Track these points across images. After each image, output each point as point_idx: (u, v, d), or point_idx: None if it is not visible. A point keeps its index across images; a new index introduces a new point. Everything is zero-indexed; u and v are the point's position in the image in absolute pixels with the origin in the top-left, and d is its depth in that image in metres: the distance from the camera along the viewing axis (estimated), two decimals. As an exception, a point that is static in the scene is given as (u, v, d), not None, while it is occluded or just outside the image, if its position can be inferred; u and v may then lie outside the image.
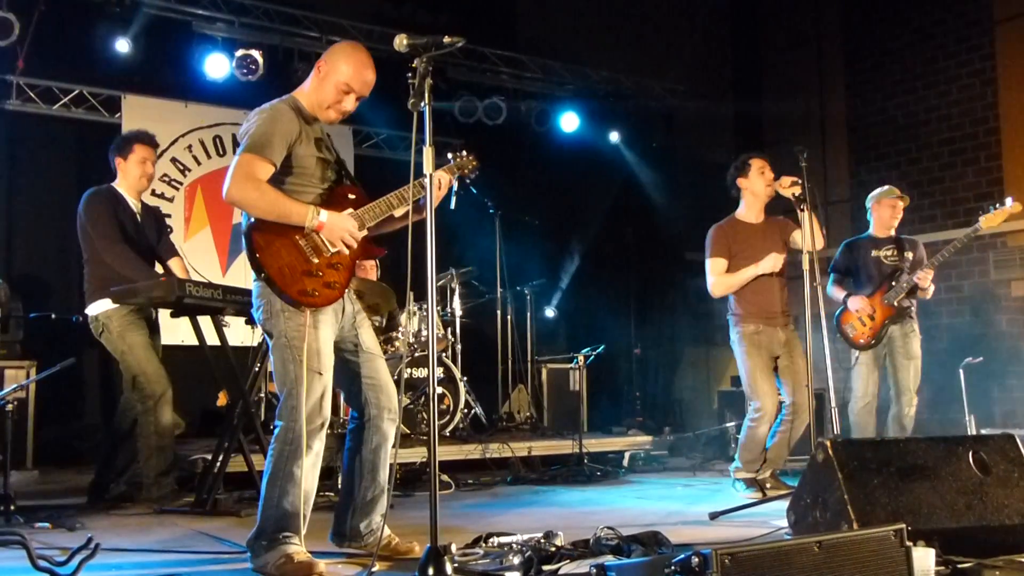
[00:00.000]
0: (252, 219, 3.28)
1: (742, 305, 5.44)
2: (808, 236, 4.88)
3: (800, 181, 5.01)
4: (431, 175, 3.15)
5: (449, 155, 3.73)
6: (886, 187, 6.24)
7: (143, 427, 4.93)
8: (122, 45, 7.53)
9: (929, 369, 6.17)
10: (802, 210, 4.94)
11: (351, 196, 3.50)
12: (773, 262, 5.32)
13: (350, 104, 3.48)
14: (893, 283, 5.92)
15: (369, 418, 3.52)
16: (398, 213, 3.59)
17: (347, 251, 3.39)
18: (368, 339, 3.56)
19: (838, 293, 6.09)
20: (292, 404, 3.25)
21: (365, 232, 3.46)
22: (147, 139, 5.25)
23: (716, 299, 5.67)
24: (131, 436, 5.03)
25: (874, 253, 6.06)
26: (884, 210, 6.09)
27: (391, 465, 3.40)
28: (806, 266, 4.74)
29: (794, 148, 4.95)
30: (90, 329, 5.07)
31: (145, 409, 4.92)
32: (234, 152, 3.42)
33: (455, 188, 7.42)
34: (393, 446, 3.57)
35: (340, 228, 3.33)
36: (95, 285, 4.99)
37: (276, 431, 3.29)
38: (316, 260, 3.31)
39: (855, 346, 5.99)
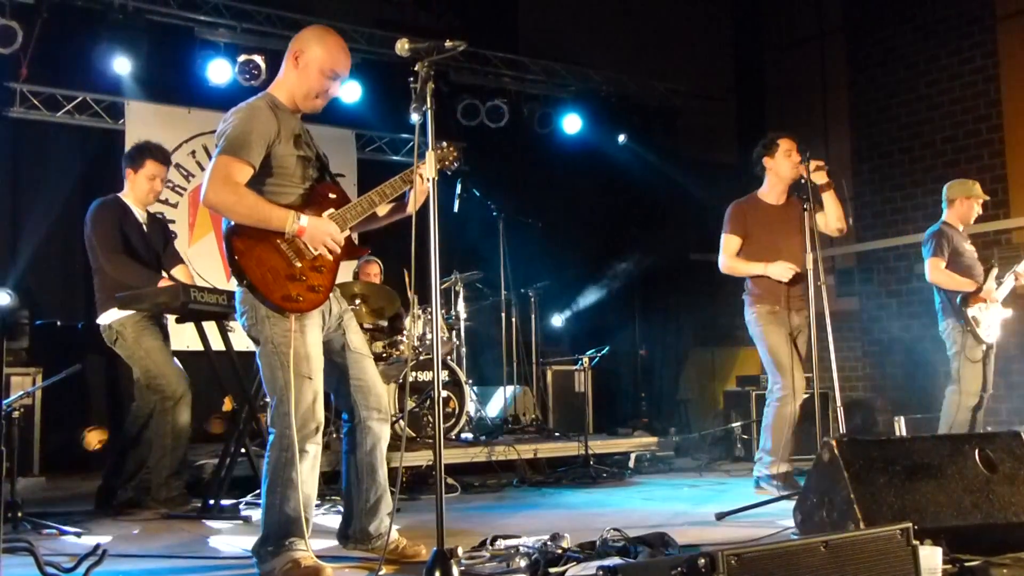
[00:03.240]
0: (232, 223, 3.22)
1: (759, 285, 5.38)
2: (832, 216, 4.90)
3: (825, 166, 4.98)
4: (433, 178, 3.15)
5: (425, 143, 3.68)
6: (972, 182, 6.21)
7: (159, 427, 4.94)
8: (122, 65, 7.54)
9: (935, 367, 6.16)
10: (809, 207, 4.86)
11: (332, 195, 3.44)
12: (782, 271, 5.22)
13: (336, 88, 3.44)
14: (1002, 279, 5.92)
15: (359, 420, 3.50)
16: (381, 212, 3.57)
17: (329, 255, 3.34)
18: (355, 339, 3.53)
19: (956, 277, 5.92)
20: (284, 411, 3.22)
21: (348, 233, 3.40)
22: (160, 156, 5.24)
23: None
24: (141, 442, 5.04)
25: (967, 245, 6.03)
26: (971, 206, 6.09)
27: (397, 468, 3.40)
28: (809, 265, 4.72)
29: (797, 148, 4.94)
30: (103, 337, 5.07)
31: (163, 409, 4.94)
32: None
33: (458, 191, 7.46)
34: (396, 449, 3.56)
35: (321, 233, 3.27)
36: (105, 295, 5.00)
37: (270, 439, 3.27)
38: (299, 264, 3.25)
39: (982, 339, 5.88)
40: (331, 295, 3.43)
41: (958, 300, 5.93)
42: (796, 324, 5.34)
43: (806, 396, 6.84)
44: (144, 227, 5.23)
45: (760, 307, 5.35)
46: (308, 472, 3.26)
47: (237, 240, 3.20)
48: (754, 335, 5.41)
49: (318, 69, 3.36)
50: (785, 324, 5.31)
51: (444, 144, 3.65)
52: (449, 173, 3.77)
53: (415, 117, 3.10)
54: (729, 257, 5.41)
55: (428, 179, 3.14)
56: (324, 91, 3.40)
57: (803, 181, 5.01)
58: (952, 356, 6.03)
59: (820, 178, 5.07)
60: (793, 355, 5.28)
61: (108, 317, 5.00)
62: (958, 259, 6.01)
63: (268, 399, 3.35)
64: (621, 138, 10.10)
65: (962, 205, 6.12)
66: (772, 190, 5.46)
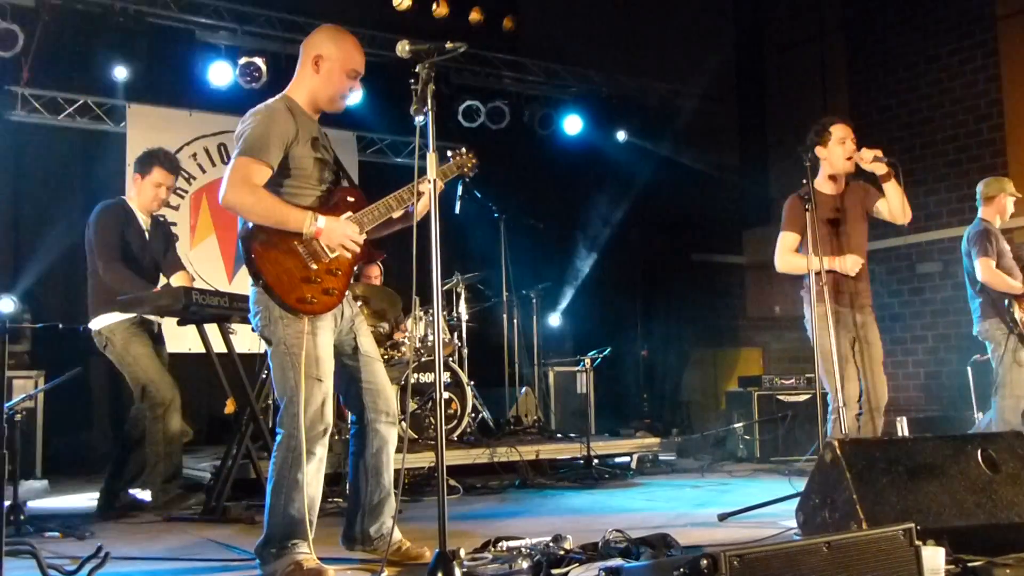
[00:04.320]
0: (249, 224, 3.24)
1: (820, 283, 4.80)
2: (896, 205, 4.73)
3: (883, 156, 4.72)
4: (435, 180, 3.15)
5: (448, 153, 3.67)
6: (1006, 179, 6.18)
7: (152, 434, 4.95)
8: (123, 68, 7.56)
9: (937, 367, 6.14)
10: (811, 208, 4.74)
11: (350, 199, 3.46)
12: (852, 264, 4.82)
13: (357, 86, 3.49)
14: None
15: (367, 422, 3.51)
16: (396, 215, 3.58)
17: (348, 256, 3.36)
18: (366, 343, 3.54)
19: (1007, 279, 5.83)
20: (293, 412, 3.22)
21: (364, 236, 3.42)
22: (169, 164, 5.26)
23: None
24: (142, 445, 5.05)
25: (1005, 244, 5.94)
26: (1007, 202, 6.05)
27: (399, 470, 3.40)
28: (814, 266, 4.67)
29: (798, 148, 4.87)
30: (94, 342, 5.09)
31: (155, 416, 4.95)
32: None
33: (460, 192, 7.48)
34: (398, 451, 3.56)
35: (339, 234, 3.29)
36: (99, 299, 5.02)
37: (278, 439, 3.28)
38: (315, 266, 3.27)
39: None
40: (344, 298, 3.43)
41: (1005, 302, 5.81)
42: (860, 322, 4.90)
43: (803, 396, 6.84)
44: (147, 233, 5.25)
45: (819, 307, 4.77)
46: (314, 474, 3.27)
47: (254, 241, 3.22)
48: (811, 338, 4.90)
49: (342, 71, 3.40)
50: (847, 327, 4.86)
51: (463, 150, 3.69)
52: (468, 180, 3.80)
53: (419, 119, 3.11)
54: (787, 254, 4.96)
55: (430, 181, 3.15)
56: (347, 91, 3.45)
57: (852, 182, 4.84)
58: (997, 360, 5.87)
59: (879, 169, 4.76)
60: (852, 362, 4.83)
61: (99, 323, 5.03)
62: (1000, 260, 5.91)
63: (277, 400, 3.35)
64: (620, 135, 10.09)
65: (1001, 201, 6.05)
66: (829, 180, 5.02)
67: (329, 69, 3.40)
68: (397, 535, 3.50)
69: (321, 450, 3.30)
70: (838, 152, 4.90)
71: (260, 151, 3.21)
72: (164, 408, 4.96)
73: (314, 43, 3.44)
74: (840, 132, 4.93)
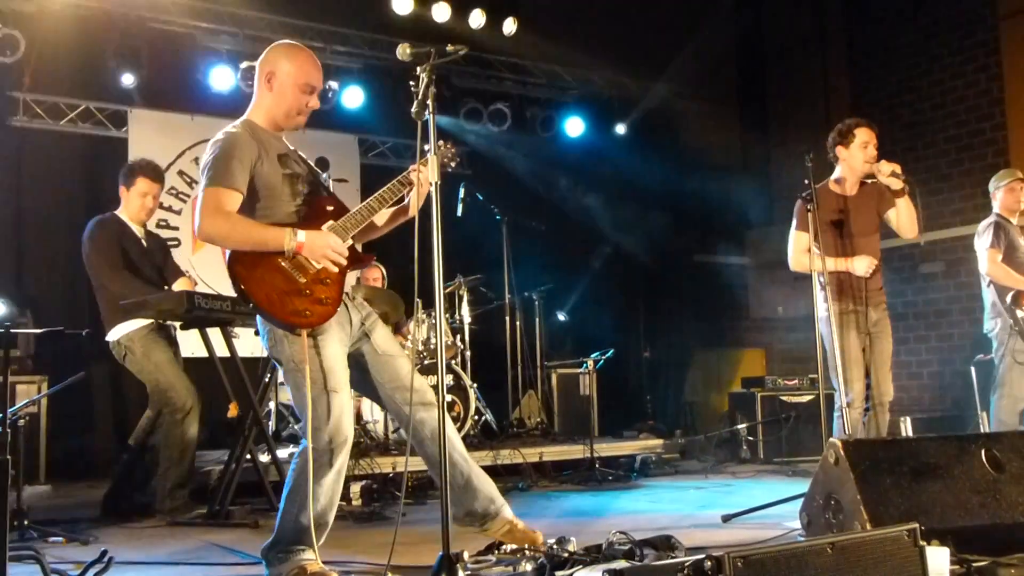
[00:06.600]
0: (231, 251, 3.21)
1: (834, 281, 4.91)
2: (905, 221, 4.76)
3: (900, 173, 4.75)
4: (436, 182, 3.15)
5: (426, 147, 3.67)
6: (1008, 170, 6.13)
7: (169, 438, 4.96)
8: (125, 73, 7.57)
9: (941, 367, 6.13)
10: (813, 209, 4.75)
11: (329, 208, 3.42)
12: (866, 265, 4.86)
13: (315, 101, 3.42)
14: None
15: (409, 418, 3.46)
16: (380, 221, 3.57)
17: (334, 267, 3.31)
18: (382, 342, 3.50)
19: (1011, 273, 5.72)
20: (314, 426, 3.22)
21: (350, 242, 3.38)
22: (151, 173, 5.29)
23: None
24: (152, 451, 5.06)
25: (1021, 240, 5.86)
26: (1011, 194, 5.97)
27: (403, 473, 3.40)
28: (815, 267, 4.67)
29: (800, 148, 4.87)
30: (112, 354, 5.10)
31: (174, 421, 4.96)
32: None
33: (462, 195, 7.46)
34: (402, 454, 3.55)
35: (321, 245, 3.23)
36: (111, 311, 5.03)
37: (300, 447, 3.28)
38: (303, 279, 3.22)
39: None
40: (348, 305, 3.42)
41: (1008, 299, 5.72)
42: (874, 320, 4.95)
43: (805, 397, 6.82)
44: (143, 242, 5.29)
45: (835, 305, 4.84)
46: (330, 484, 3.26)
47: (238, 267, 3.19)
48: (823, 334, 4.91)
49: (293, 86, 3.35)
50: (860, 325, 4.90)
51: (441, 142, 3.64)
52: (449, 171, 3.76)
53: (423, 120, 3.11)
54: (800, 253, 5.00)
55: (432, 183, 3.15)
56: (304, 107, 3.39)
57: (869, 181, 4.85)
58: (999, 358, 5.81)
59: (894, 184, 4.80)
60: (862, 361, 4.89)
61: (116, 333, 5.03)
62: (1013, 254, 5.81)
63: (298, 415, 3.33)
64: (620, 128, 10.05)
65: (1013, 188, 5.97)
66: (844, 180, 5.04)
67: (282, 85, 3.34)
68: (508, 514, 3.52)
69: (340, 460, 3.27)
70: (859, 156, 4.94)
71: (225, 177, 3.17)
72: (184, 414, 4.97)
73: (266, 61, 3.39)
74: (864, 136, 4.96)
